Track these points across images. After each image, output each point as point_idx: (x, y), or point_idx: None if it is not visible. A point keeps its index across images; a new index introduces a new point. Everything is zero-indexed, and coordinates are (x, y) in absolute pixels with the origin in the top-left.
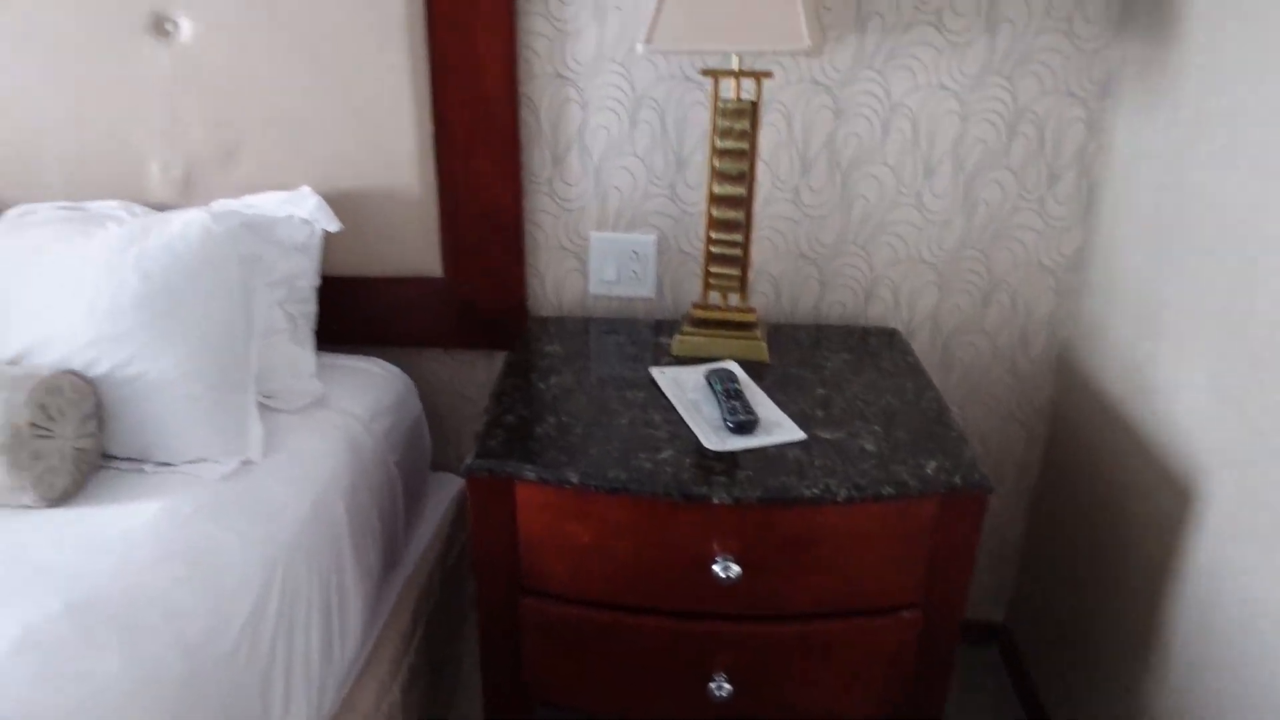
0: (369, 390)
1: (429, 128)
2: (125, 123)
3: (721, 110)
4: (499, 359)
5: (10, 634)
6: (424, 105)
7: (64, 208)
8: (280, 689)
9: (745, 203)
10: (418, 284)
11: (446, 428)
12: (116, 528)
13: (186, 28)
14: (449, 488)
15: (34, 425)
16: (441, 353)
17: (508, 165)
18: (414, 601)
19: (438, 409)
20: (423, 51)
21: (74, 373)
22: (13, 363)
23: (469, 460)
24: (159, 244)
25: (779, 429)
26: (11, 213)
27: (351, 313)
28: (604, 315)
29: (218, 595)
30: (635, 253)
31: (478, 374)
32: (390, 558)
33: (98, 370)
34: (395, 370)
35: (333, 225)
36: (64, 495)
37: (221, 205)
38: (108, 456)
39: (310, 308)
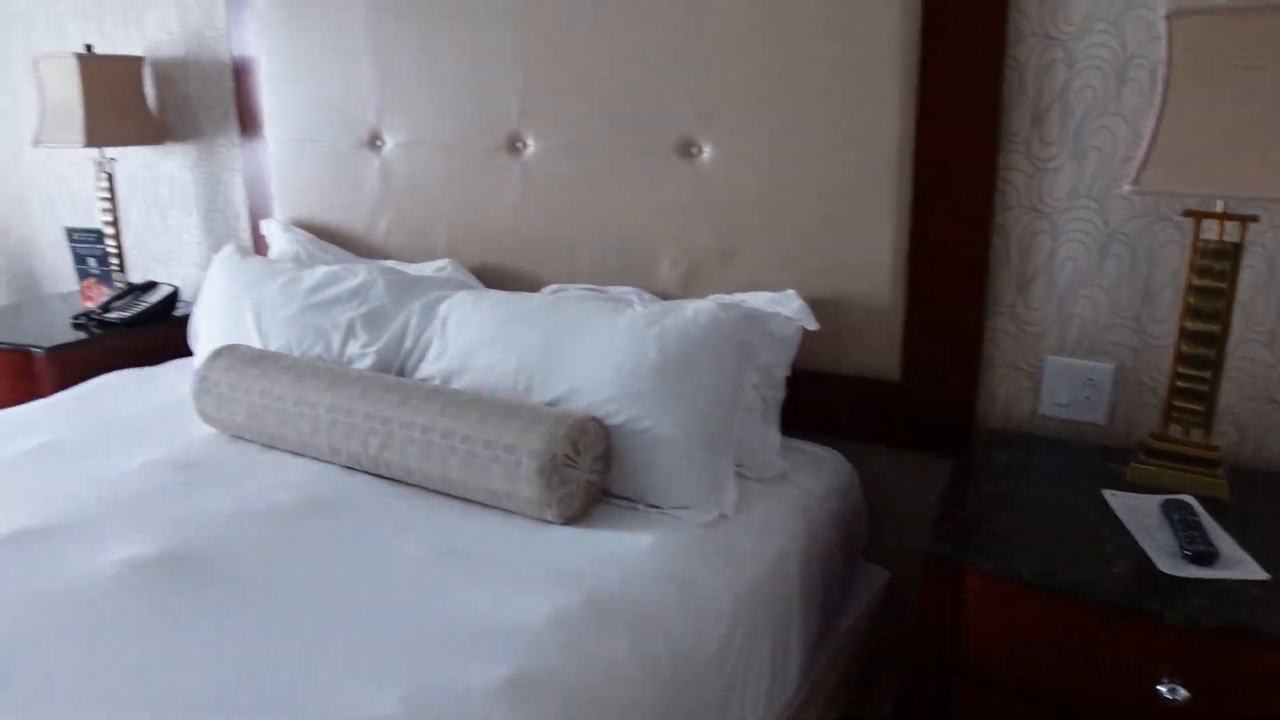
0: (821, 473)
1: (905, 248)
2: (646, 227)
3: (1202, 250)
4: (940, 464)
5: (543, 612)
6: (902, 229)
7: (588, 289)
8: (735, 714)
9: (1218, 341)
10: (875, 385)
11: (880, 521)
12: (619, 549)
13: (707, 151)
14: (874, 577)
15: (566, 456)
16: (886, 449)
17: (974, 287)
18: (839, 669)
19: (873, 502)
20: (908, 185)
21: (597, 419)
22: (552, 404)
23: (926, 545)
24: (676, 325)
25: (1239, 565)
26: (548, 289)
27: (811, 402)
28: (1051, 435)
29: (699, 619)
30: (1091, 379)
31: (916, 474)
32: (824, 626)
33: (615, 420)
34: (844, 460)
35: (812, 325)
36: (574, 517)
37: (718, 299)
38: (607, 493)
39: (780, 393)
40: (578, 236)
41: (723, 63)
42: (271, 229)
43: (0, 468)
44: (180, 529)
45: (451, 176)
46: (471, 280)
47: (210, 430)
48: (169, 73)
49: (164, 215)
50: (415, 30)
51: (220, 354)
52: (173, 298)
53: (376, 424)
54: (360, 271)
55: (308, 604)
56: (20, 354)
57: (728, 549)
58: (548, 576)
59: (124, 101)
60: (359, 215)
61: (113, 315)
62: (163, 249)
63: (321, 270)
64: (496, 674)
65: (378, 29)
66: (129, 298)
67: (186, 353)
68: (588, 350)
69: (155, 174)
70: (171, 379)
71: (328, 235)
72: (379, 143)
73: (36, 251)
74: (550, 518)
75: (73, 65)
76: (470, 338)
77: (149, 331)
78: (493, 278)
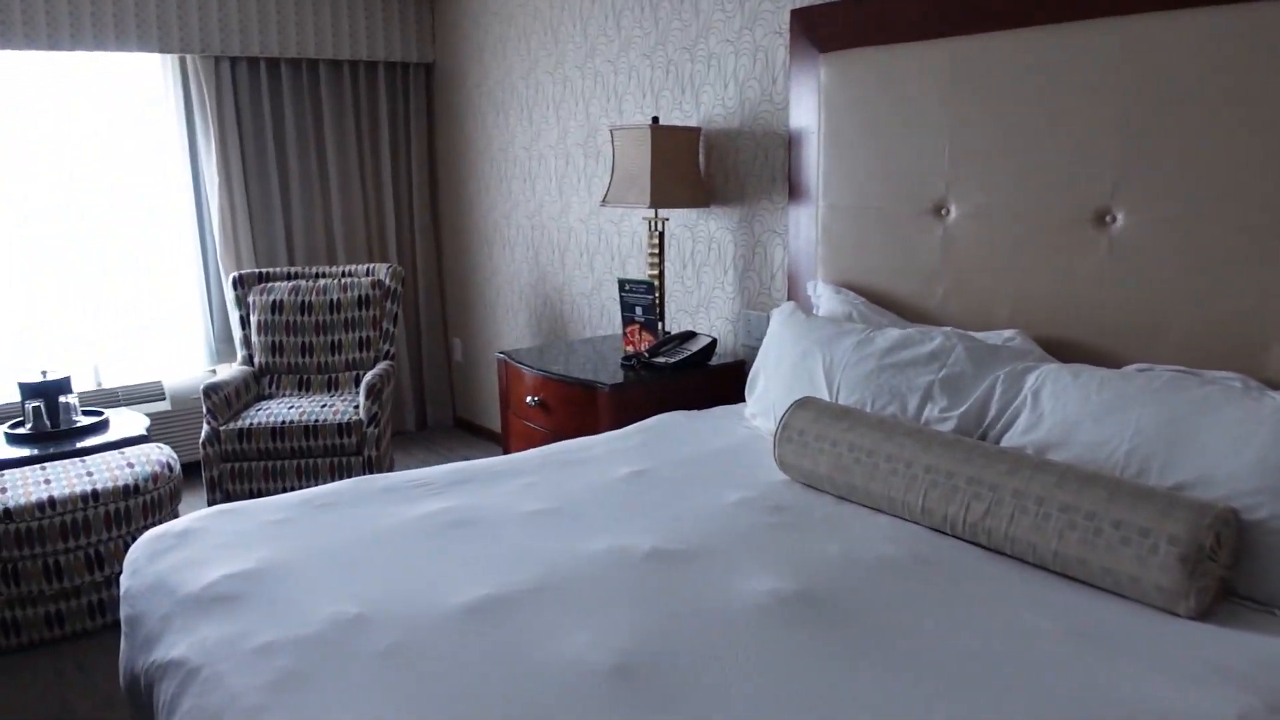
0: None
1: None
2: (1253, 307)
3: None
4: None
5: (1229, 714)
6: None
7: (1181, 370)
8: None
9: None
10: None
11: None
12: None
13: None
14: None
15: (1208, 548)
16: None
17: None
18: None
19: None
20: None
21: (1235, 511)
22: (1175, 489)
23: None
24: None
25: None
26: (1131, 367)
27: None
28: None
29: None
30: None
31: None
32: None
33: (1255, 515)
34: None
35: None
36: (1204, 613)
37: None
38: (1232, 591)
39: None
40: (1169, 314)
41: None
42: (821, 290)
43: (607, 489)
44: (805, 569)
45: (1022, 247)
46: (1039, 352)
47: (782, 476)
48: (720, 142)
49: (698, 272)
50: (993, 103)
51: (803, 405)
52: (711, 347)
53: (983, 490)
54: (936, 336)
55: (932, 658)
56: (588, 389)
57: None
58: (1207, 674)
59: (682, 168)
60: (913, 281)
61: (659, 359)
62: (693, 302)
63: (895, 332)
64: None
65: (953, 102)
66: (672, 345)
67: (725, 398)
68: (1222, 437)
69: (695, 234)
70: (720, 423)
71: (876, 298)
72: (944, 211)
73: (567, 299)
74: (1182, 610)
75: (645, 135)
76: (1070, 412)
77: (689, 376)
78: (1064, 351)
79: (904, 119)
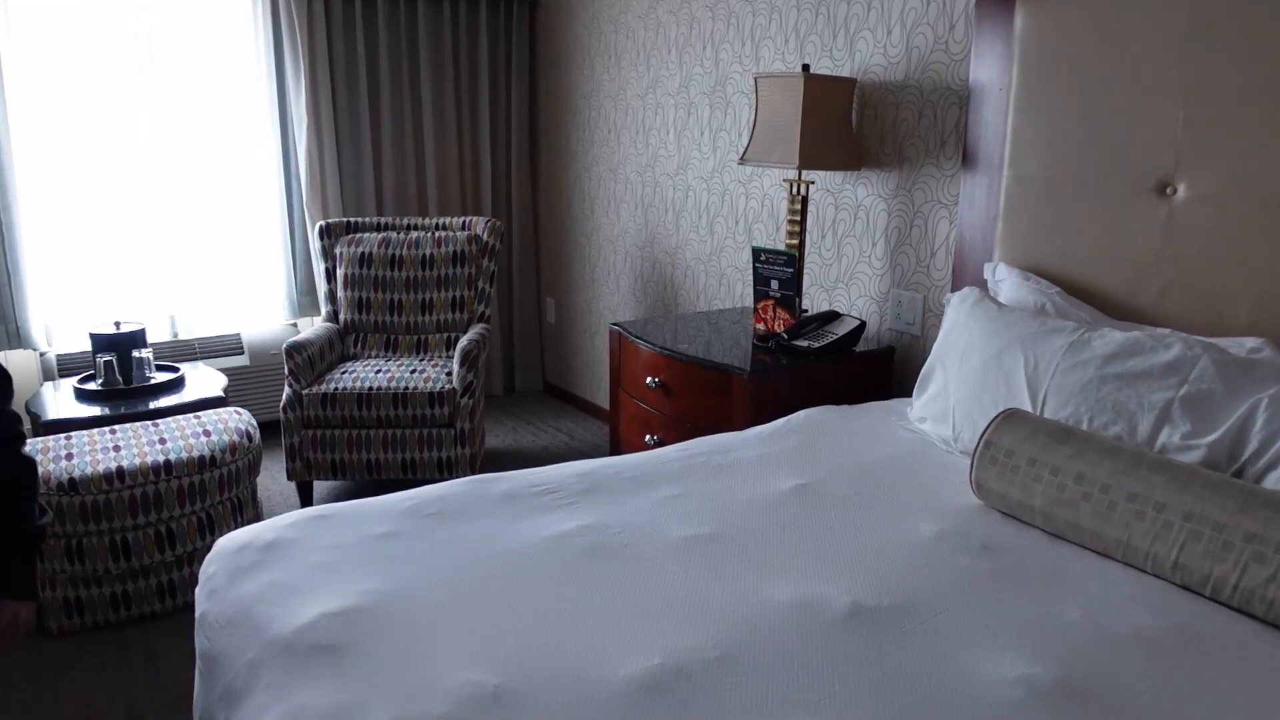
0: None
1: None
2: None
3: None
4: None
5: None
6: None
7: None
8: None
9: None
10: None
11: None
12: None
13: None
14: None
15: None
16: None
17: None
18: None
19: None
20: None
21: None
22: None
23: None
24: None
25: None
26: None
27: None
28: None
29: None
30: None
31: None
32: None
33: None
34: None
35: None
36: None
37: None
38: None
39: None
40: None
41: None
42: (1002, 274)
43: (771, 508)
44: (1052, 645)
45: (1274, 240)
46: (1277, 362)
47: (975, 501)
48: (877, 97)
49: (839, 243)
50: (1243, 62)
51: (1013, 420)
52: (858, 331)
53: (1267, 550)
54: (1173, 344)
55: None
56: (722, 374)
57: None
58: None
59: (834, 125)
60: (1123, 271)
61: (801, 343)
62: (832, 277)
63: (1118, 335)
64: None
65: (1191, 59)
66: (813, 326)
67: (873, 390)
68: None
69: (839, 200)
70: (879, 424)
71: (1074, 289)
72: (1170, 190)
73: (680, 264)
74: None
75: (797, 85)
76: None
77: (833, 363)
78: None
79: (1123, 77)
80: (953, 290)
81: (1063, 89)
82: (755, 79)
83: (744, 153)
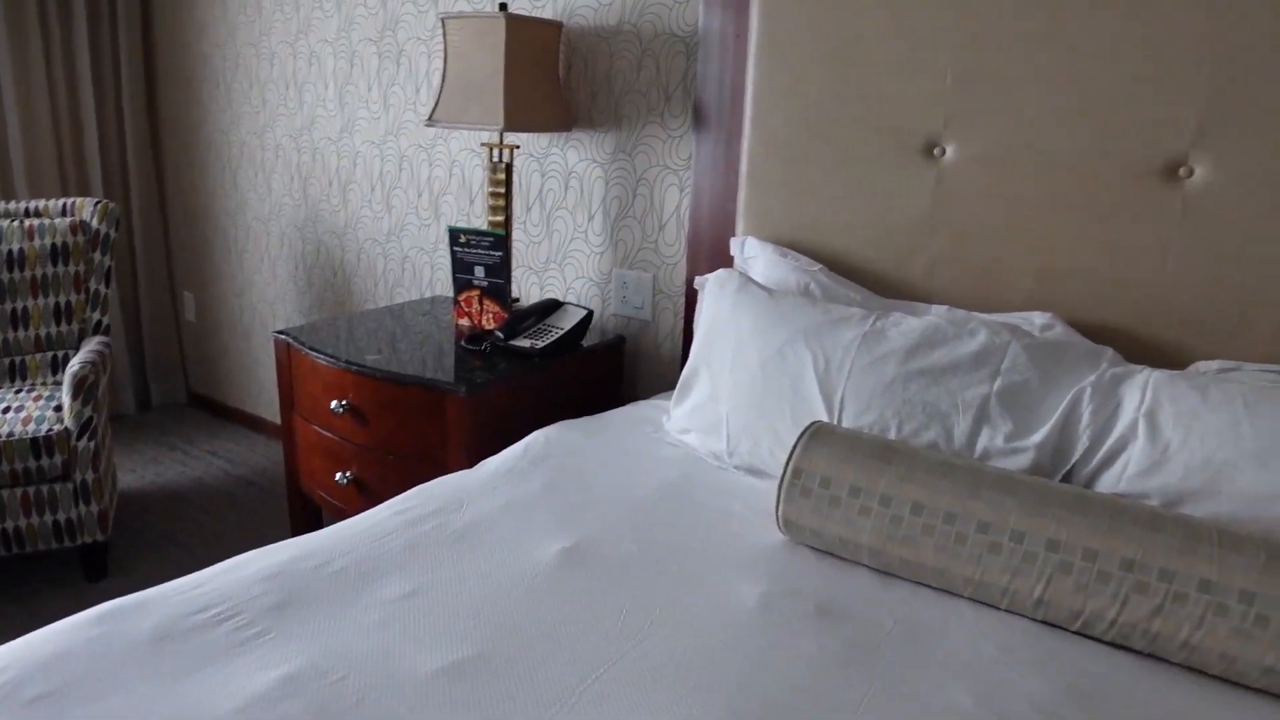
0: None
1: None
2: None
3: None
4: None
5: None
6: None
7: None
8: None
9: None
10: None
11: None
12: None
13: None
14: None
15: None
16: None
17: None
18: None
19: None
20: None
21: None
22: None
23: None
24: None
25: None
26: (1201, 365)
27: None
28: None
29: None
30: None
31: None
32: None
33: None
34: None
35: None
36: None
37: None
38: None
39: None
40: (1259, 298)
41: None
42: (753, 249)
43: (540, 600)
44: None
45: (1054, 205)
46: (1112, 352)
47: (780, 538)
48: (586, 45)
49: (549, 217)
50: (1025, 4)
51: (820, 438)
52: (586, 322)
53: (1150, 578)
54: (977, 330)
55: None
56: (431, 392)
57: None
58: None
59: (540, 78)
60: (888, 243)
61: (523, 343)
62: (541, 258)
63: (915, 323)
64: None
65: (961, 2)
66: (532, 321)
67: (606, 393)
68: None
69: (546, 166)
70: (632, 441)
71: (833, 263)
72: (938, 150)
73: (351, 246)
74: None
75: (498, 27)
76: (1211, 445)
77: (560, 363)
78: (1111, 344)
79: (885, 23)
80: (689, 268)
81: (814, 36)
82: (442, 20)
83: (432, 112)
